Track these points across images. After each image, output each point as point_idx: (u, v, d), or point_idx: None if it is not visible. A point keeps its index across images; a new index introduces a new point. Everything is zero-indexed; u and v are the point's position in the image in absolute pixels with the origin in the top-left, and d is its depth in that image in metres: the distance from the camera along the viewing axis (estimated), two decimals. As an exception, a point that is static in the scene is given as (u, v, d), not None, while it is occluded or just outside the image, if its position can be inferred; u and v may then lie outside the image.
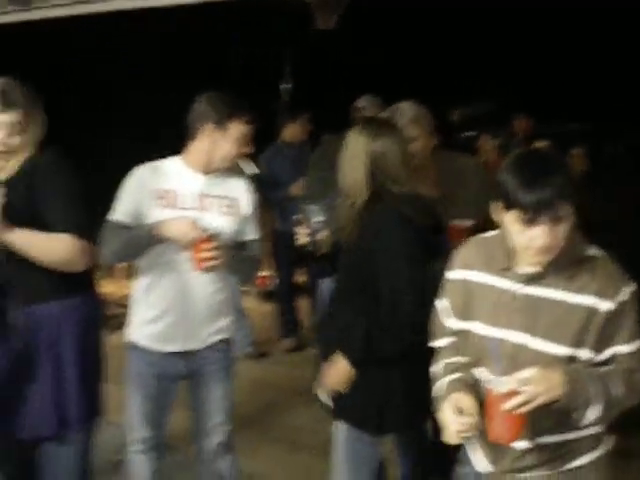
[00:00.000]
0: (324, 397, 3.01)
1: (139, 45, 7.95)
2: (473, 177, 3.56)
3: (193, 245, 2.97)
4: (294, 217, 3.27)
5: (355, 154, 2.88)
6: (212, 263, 2.97)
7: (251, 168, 5.82)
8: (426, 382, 2.48)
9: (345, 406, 2.93)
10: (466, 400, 2.18)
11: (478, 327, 2.32)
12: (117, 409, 3.32)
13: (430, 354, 2.52)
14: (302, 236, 3.18)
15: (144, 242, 3.03)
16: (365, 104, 4.79)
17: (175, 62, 8.49)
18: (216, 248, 2.98)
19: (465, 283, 2.36)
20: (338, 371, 2.86)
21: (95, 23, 4.88)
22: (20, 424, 2.95)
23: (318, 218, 3.15)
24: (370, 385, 2.86)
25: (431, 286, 2.55)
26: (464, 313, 2.37)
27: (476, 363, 2.34)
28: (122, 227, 3.05)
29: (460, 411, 2.16)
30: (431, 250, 2.81)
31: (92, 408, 3.07)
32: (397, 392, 2.87)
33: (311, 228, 3.15)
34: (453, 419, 2.16)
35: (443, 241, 2.97)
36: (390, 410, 2.87)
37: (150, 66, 8.57)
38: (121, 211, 3.08)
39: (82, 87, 8.26)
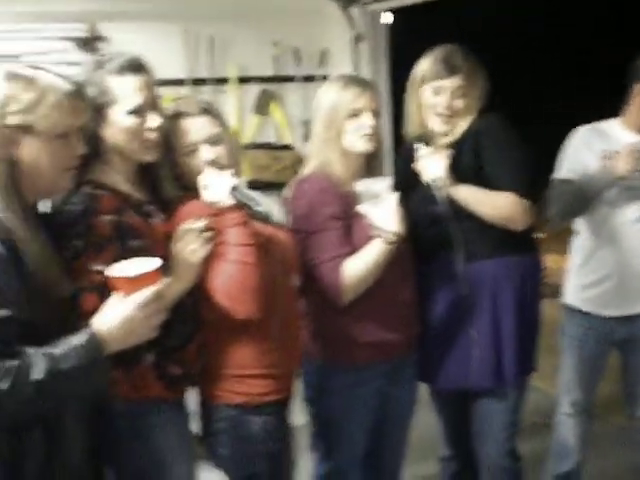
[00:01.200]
0: None
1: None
2: None
3: None
4: None
5: None
6: None
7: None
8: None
9: None
10: None
11: None
12: (542, 376, 3.45)
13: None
14: None
15: (595, 189, 3.34)
16: None
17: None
18: None
19: None
20: None
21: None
22: (452, 373, 3.13)
23: None
24: None
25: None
26: None
27: None
28: (568, 182, 3.42)
29: None
30: None
31: (526, 365, 3.19)
32: None
33: None
34: None
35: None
36: None
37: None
38: (567, 169, 3.48)
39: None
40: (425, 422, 3.49)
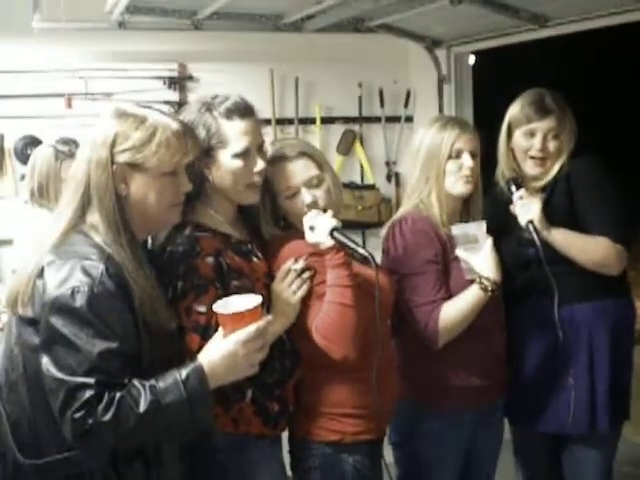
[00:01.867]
0: None
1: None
2: None
3: None
4: None
5: None
6: None
7: None
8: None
9: None
10: None
11: None
12: (633, 426, 3.41)
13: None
14: None
15: None
16: None
17: None
18: None
19: None
20: None
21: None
22: (547, 418, 3.07)
23: None
24: None
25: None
26: None
27: None
28: None
29: None
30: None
31: (620, 412, 3.12)
32: None
33: None
34: None
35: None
36: None
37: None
38: None
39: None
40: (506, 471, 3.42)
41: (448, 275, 2.83)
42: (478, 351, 2.87)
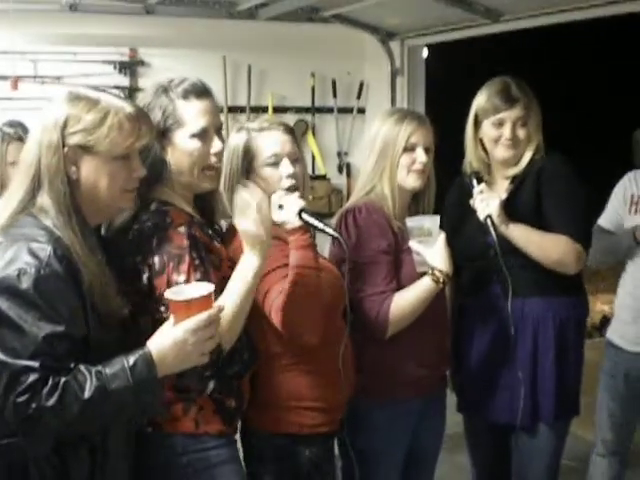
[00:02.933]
0: None
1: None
2: None
3: None
4: None
5: None
6: None
7: None
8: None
9: None
10: None
11: None
12: (581, 422, 3.36)
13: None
14: None
15: (621, 246, 3.52)
16: None
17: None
18: None
19: None
20: None
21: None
22: (496, 409, 3.08)
23: None
24: None
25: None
26: None
27: None
28: (603, 231, 3.56)
29: None
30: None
31: (566, 407, 3.11)
32: None
33: None
34: None
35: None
36: None
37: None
38: (604, 217, 3.63)
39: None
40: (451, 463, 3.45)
41: (399, 267, 2.83)
42: (424, 342, 2.88)
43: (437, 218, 2.80)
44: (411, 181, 2.85)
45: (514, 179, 3.06)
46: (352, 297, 2.72)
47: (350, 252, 2.64)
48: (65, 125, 2.01)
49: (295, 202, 2.38)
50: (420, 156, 2.82)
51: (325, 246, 2.90)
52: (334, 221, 2.91)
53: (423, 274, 2.77)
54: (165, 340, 1.95)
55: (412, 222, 2.79)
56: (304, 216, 2.36)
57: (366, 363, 2.85)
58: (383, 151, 2.85)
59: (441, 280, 2.74)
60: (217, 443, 2.38)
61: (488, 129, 3.07)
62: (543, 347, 3.03)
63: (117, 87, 5.08)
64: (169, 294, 1.96)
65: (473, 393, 3.14)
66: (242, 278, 2.23)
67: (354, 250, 2.76)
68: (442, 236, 2.77)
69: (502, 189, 3.06)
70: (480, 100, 3.10)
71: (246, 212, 2.23)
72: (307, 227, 2.38)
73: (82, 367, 1.88)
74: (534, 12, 4.37)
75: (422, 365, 2.89)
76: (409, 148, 2.83)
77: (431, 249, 2.75)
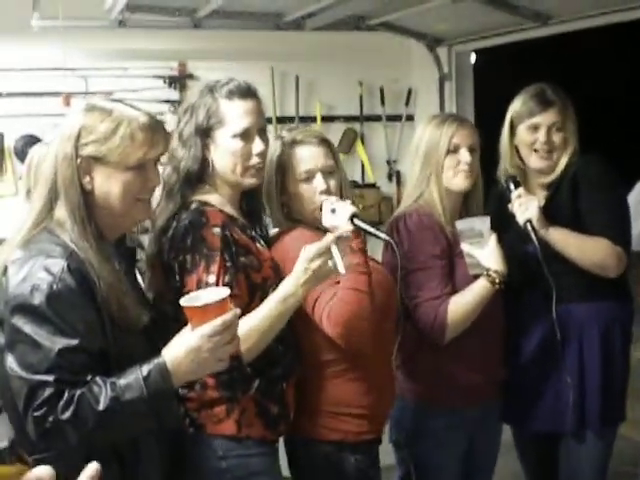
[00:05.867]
0: None
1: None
2: None
3: None
4: None
5: None
6: None
7: None
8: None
9: None
10: None
11: None
12: (634, 425, 3.41)
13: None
14: None
15: None
16: None
17: None
18: None
19: None
20: None
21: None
22: (543, 417, 3.06)
23: None
24: None
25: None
26: None
27: None
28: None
29: None
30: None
31: (613, 412, 3.10)
32: None
33: None
34: None
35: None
36: None
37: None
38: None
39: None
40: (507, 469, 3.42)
41: (453, 271, 2.82)
42: (480, 348, 2.87)
43: (487, 219, 2.79)
44: (458, 182, 2.84)
45: (550, 186, 3.03)
46: (407, 303, 2.72)
47: (403, 259, 2.65)
48: (79, 136, 2.04)
49: (347, 207, 2.39)
50: (464, 156, 2.81)
51: (378, 254, 2.90)
52: (385, 229, 2.91)
53: (477, 276, 2.76)
54: (180, 348, 1.94)
55: (462, 224, 2.78)
56: (356, 221, 2.36)
57: (421, 371, 2.84)
58: (427, 156, 2.85)
59: (497, 281, 2.72)
60: (258, 450, 2.39)
61: (523, 134, 3.05)
62: (589, 353, 3.01)
63: (167, 101, 5.15)
64: (184, 301, 1.95)
65: (519, 402, 3.10)
66: (277, 300, 2.24)
67: (407, 257, 2.75)
68: (493, 237, 2.75)
69: (538, 196, 3.04)
70: (515, 105, 3.09)
71: (324, 253, 2.21)
72: (358, 232, 2.38)
73: (98, 379, 1.90)
74: (583, 14, 4.32)
75: (480, 372, 2.87)
76: (452, 150, 2.82)
77: (484, 250, 2.74)
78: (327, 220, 2.41)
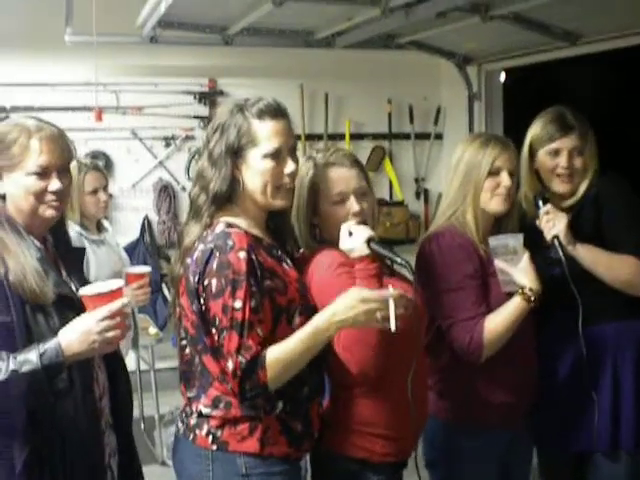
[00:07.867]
0: None
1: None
2: None
3: None
4: None
5: None
6: None
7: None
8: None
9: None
10: None
11: None
12: None
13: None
14: None
15: None
16: None
17: None
18: None
19: None
20: None
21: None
22: (572, 437, 3.01)
23: None
24: None
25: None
26: None
27: None
28: None
29: None
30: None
31: None
32: None
33: None
34: None
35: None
36: None
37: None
38: None
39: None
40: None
41: (487, 290, 2.80)
42: (514, 367, 2.84)
43: (521, 236, 2.76)
44: (494, 205, 2.81)
45: (571, 208, 3.02)
46: (440, 324, 2.71)
47: (436, 280, 2.66)
48: None
49: (364, 231, 2.38)
50: (505, 180, 2.79)
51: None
52: (417, 248, 2.90)
53: (510, 295, 2.75)
54: (73, 328, 2.16)
55: (496, 241, 2.75)
56: (373, 245, 2.35)
57: (454, 390, 2.83)
58: (467, 175, 2.83)
59: (532, 298, 2.69)
60: (281, 469, 2.37)
61: (544, 159, 3.01)
62: (623, 372, 2.96)
63: (197, 117, 5.21)
64: (82, 291, 2.19)
65: (547, 425, 3.07)
66: (307, 334, 2.23)
67: (440, 276, 2.74)
68: (527, 254, 2.73)
69: None
70: (535, 129, 3.04)
71: (380, 303, 2.20)
72: (375, 256, 2.38)
73: (4, 354, 2.10)
74: (613, 34, 4.31)
75: (514, 391, 2.84)
76: (493, 172, 2.79)
77: (517, 267, 2.72)
78: (344, 243, 2.40)
